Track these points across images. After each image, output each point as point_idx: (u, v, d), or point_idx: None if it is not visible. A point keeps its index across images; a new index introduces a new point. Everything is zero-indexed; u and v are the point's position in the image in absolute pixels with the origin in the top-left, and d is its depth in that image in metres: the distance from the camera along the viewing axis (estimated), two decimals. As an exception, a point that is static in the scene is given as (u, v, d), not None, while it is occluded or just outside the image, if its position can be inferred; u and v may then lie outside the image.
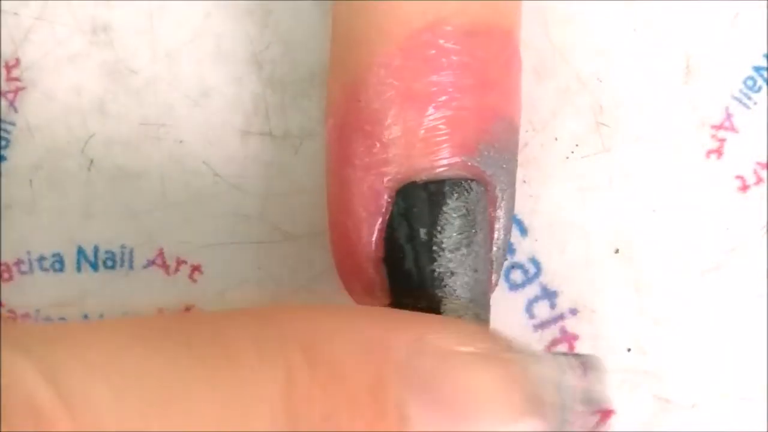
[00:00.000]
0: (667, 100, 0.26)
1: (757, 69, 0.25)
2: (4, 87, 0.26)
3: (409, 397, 0.18)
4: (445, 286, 0.22)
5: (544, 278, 0.26)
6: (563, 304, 0.26)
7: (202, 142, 0.26)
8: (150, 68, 0.26)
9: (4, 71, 0.26)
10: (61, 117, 0.26)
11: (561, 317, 0.26)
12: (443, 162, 0.22)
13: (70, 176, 0.26)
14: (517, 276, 0.26)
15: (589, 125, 0.26)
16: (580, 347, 0.26)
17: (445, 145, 0.22)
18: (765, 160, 0.25)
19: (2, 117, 0.26)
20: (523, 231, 0.26)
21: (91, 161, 0.26)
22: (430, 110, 0.22)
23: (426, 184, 0.22)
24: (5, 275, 0.26)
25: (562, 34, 0.26)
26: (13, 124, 0.26)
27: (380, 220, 0.22)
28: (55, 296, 0.26)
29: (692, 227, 0.25)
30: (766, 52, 0.25)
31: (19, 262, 0.26)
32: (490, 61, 0.22)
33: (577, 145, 0.26)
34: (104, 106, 0.26)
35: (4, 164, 0.26)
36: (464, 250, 0.22)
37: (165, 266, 0.26)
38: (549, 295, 0.26)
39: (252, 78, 0.26)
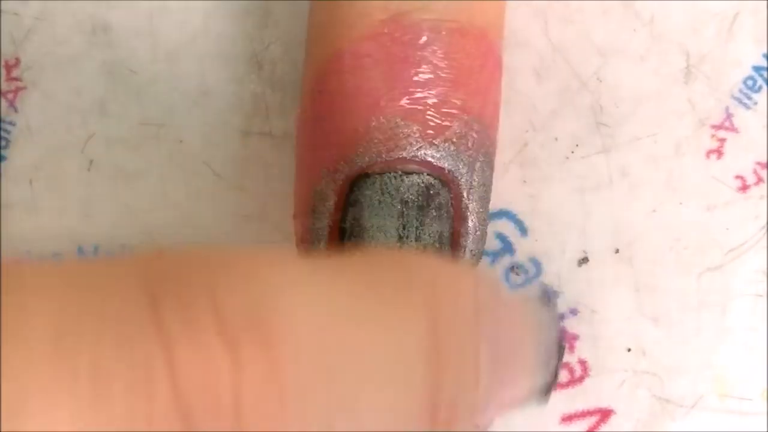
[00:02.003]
0: (667, 100, 0.26)
1: (757, 69, 0.25)
2: (4, 87, 0.26)
3: (483, 346, 0.17)
4: None
5: (544, 278, 0.26)
6: (563, 304, 0.26)
7: (202, 142, 0.26)
8: (150, 68, 0.26)
9: (4, 71, 0.26)
10: (61, 117, 0.26)
11: (561, 317, 0.26)
12: (398, 155, 0.22)
13: (70, 176, 0.26)
14: (517, 276, 0.26)
15: (589, 125, 0.26)
16: (580, 347, 0.26)
17: (401, 138, 0.22)
18: (765, 160, 0.25)
19: (2, 117, 0.26)
20: (523, 231, 0.26)
21: (91, 161, 0.26)
22: (387, 102, 0.22)
23: (380, 176, 0.22)
24: (5, 275, 0.26)
25: (562, 34, 0.26)
26: (13, 124, 0.26)
27: (334, 209, 0.22)
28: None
29: (692, 227, 0.25)
30: (766, 52, 0.25)
31: (19, 262, 0.26)
32: (458, 59, 0.22)
33: (577, 145, 0.26)
34: (104, 106, 0.26)
35: (4, 164, 0.26)
36: (412, 242, 0.22)
37: (165, 266, 0.26)
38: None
39: (252, 78, 0.26)
